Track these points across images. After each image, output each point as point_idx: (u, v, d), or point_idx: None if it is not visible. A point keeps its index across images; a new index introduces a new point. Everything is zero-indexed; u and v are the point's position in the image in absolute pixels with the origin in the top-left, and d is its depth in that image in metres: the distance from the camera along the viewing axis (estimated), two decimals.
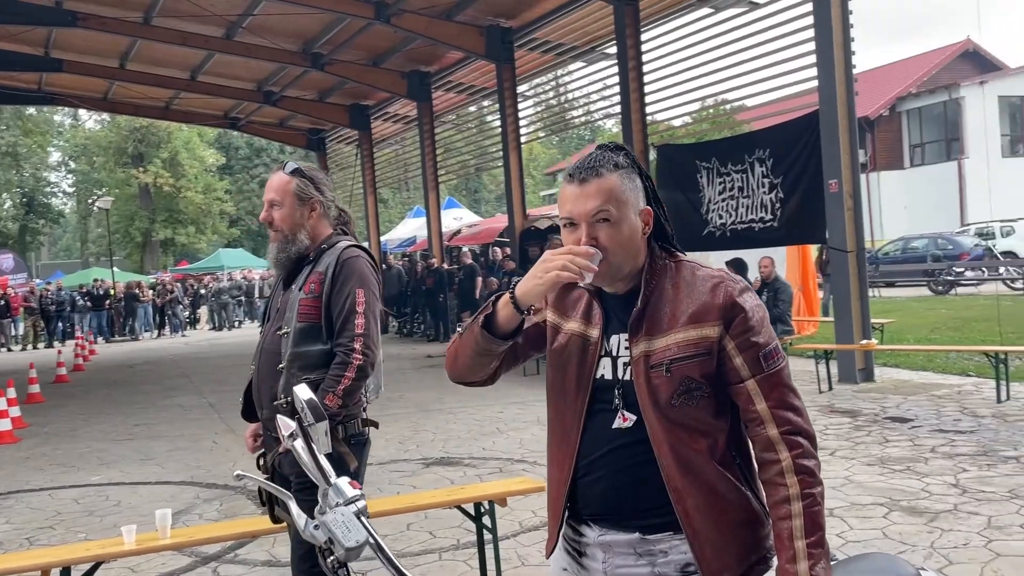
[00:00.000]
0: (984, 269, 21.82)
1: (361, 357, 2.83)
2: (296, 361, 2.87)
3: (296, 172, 2.99)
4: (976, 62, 37.26)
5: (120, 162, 43.76)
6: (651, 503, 1.81)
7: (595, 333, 1.86)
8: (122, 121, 41.24)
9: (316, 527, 1.63)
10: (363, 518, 1.63)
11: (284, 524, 2.92)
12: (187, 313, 28.91)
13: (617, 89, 13.13)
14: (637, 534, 1.84)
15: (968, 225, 28.46)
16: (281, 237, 2.97)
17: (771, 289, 10.39)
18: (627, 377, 1.82)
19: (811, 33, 9.92)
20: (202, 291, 30.44)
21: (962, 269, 21.99)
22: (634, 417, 1.79)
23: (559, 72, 17.17)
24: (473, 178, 42.55)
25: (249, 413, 3.08)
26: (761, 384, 1.77)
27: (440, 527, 5.30)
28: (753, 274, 10.87)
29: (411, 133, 21.43)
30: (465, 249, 19.56)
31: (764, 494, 1.84)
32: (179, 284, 29.29)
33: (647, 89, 12.52)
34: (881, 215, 32.35)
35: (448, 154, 19.68)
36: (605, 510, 1.86)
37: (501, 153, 16.62)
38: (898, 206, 32.80)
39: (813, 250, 14.10)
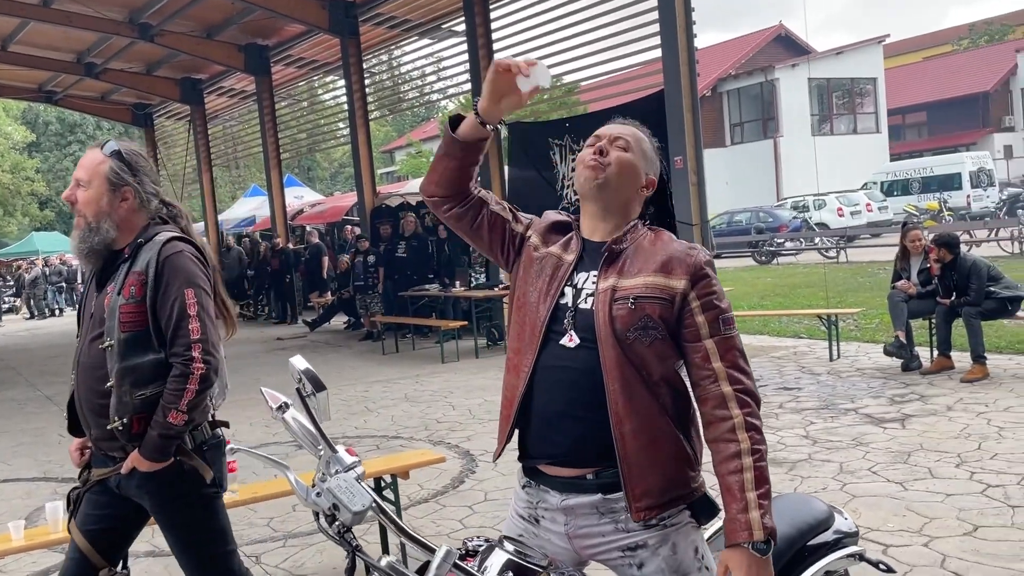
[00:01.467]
0: (802, 240, 23.49)
1: (203, 365, 2.52)
2: (127, 377, 2.54)
3: (114, 154, 2.63)
4: (788, 46, 39.81)
5: None
6: (608, 450, 1.91)
7: (569, 258, 2.03)
8: None
9: (319, 494, 1.65)
10: (363, 483, 1.67)
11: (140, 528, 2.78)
12: (4, 302, 26.82)
13: (467, 67, 13.20)
14: (599, 495, 1.94)
15: (785, 199, 30.49)
16: (84, 224, 2.63)
17: None
18: (584, 306, 1.95)
19: (655, 15, 10.33)
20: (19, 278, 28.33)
21: (782, 240, 23.59)
22: (578, 340, 1.92)
23: (406, 48, 16.99)
24: (306, 156, 41.47)
25: (75, 427, 2.75)
26: (719, 345, 1.91)
27: None
28: None
29: (246, 108, 20.70)
30: (310, 228, 19.15)
31: (699, 446, 1.97)
32: None
33: None
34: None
35: (290, 130, 19.16)
36: (565, 453, 1.95)
37: (347, 130, 16.35)
38: (720, 182, 34.66)
39: None
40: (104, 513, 2.68)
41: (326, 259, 17.00)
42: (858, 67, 36.99)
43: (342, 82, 16.62)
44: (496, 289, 11.72)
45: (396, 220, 14.18)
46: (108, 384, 2.55)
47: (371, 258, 13.71)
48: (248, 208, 24.88)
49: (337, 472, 1.65)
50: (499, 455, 2.12)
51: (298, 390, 1.66)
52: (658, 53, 10.38)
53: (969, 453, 5.42)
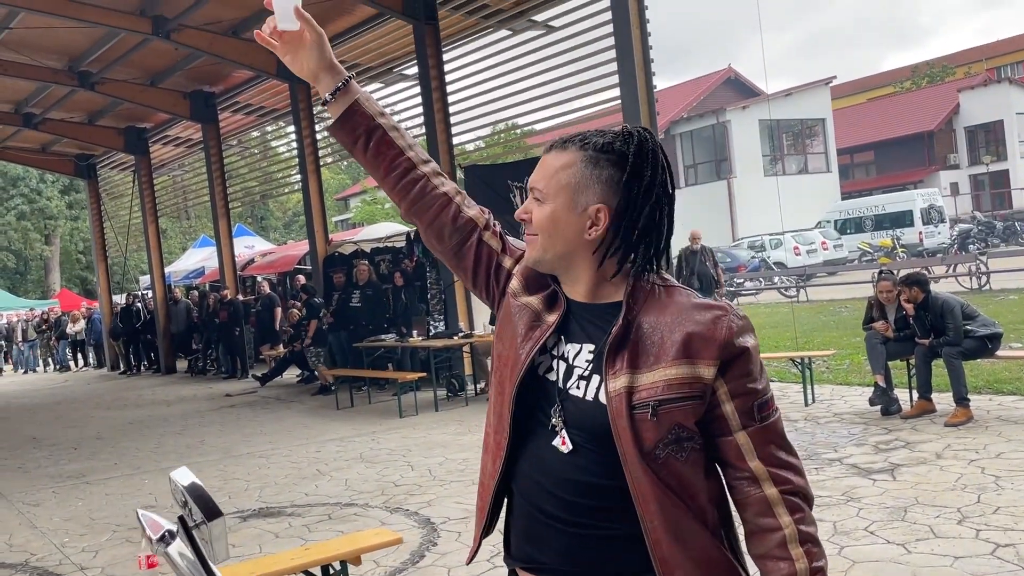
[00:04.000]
0: (761, 279, 23.38)
1: None
2: None
3: None
4: (737, 88, 40.36)
5: None
6: (626, 567, 1.50)
7: (551, 319, 1.58)
8: None
9: None
10: None
11: None
12: None
13: (420, 111, 12.84)
14: None
15: (741, 239, 30.54)
16: None
17: None
18: (576, 392, 1.51)
19: (613, 54, 10.09)
20: None
21: (742, 280, 23.45)
22: (571, 444, 1.50)
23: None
24: (259, 205, 40.79)
25: None
26: (754, 437, 1.50)
27: None
28: None
29: (194, 158, 20.14)
30: (261, 279, 18.53)
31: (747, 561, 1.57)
32: None
33: (452, 110, 12.32)
34: None
35: (238, 178, 18.62)
36: (556, 566, 1.54)
37: (298, 177, 15.88)
38: (676, 224, 34.64)
39: None
40: None
41: (278, 310, 16.41)
42: (807, 108, 37.53)
43: (292, 128, 16.18)
44: (456, 338, 11.24)
45: (350, 268, 13.68)
46: None
47: (321, 310, 13.21)
48: (197, 259, 24.16)
49: None
50: (474, 556, 1.72)
51: (181, 519, 1.19)
52: (616, 92, 10.13)
53: (969, 507, 5.03)
